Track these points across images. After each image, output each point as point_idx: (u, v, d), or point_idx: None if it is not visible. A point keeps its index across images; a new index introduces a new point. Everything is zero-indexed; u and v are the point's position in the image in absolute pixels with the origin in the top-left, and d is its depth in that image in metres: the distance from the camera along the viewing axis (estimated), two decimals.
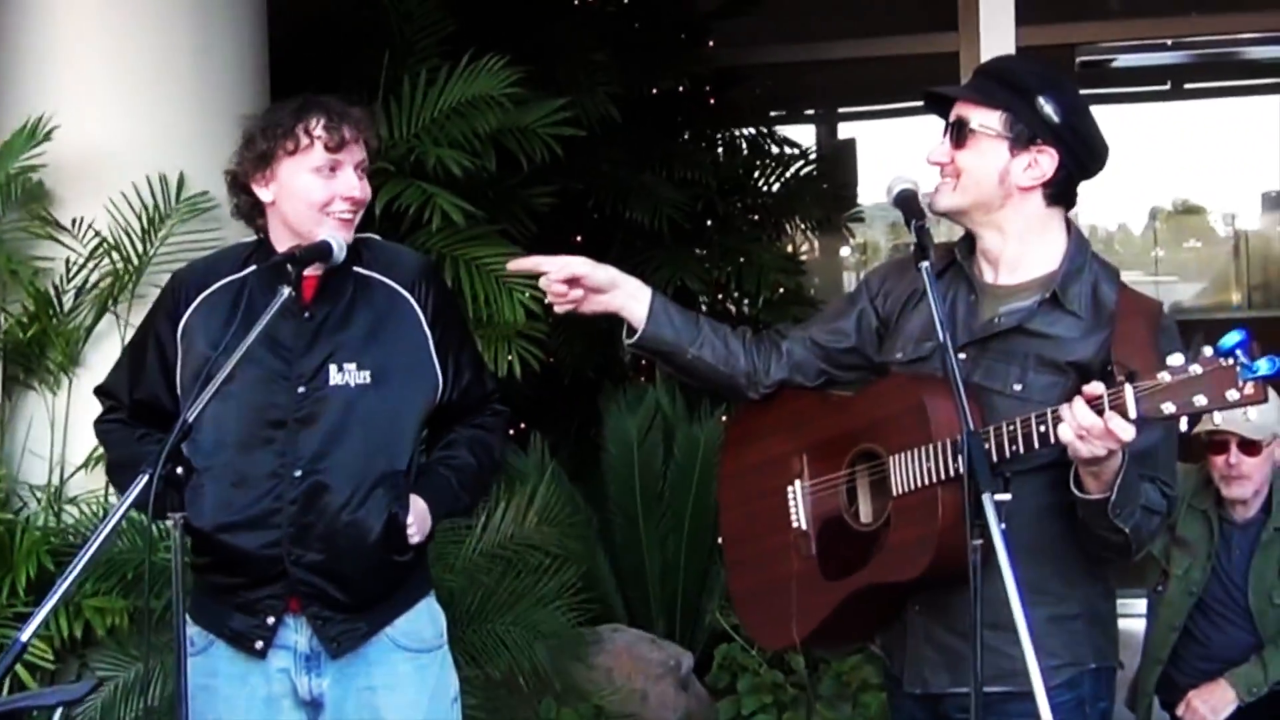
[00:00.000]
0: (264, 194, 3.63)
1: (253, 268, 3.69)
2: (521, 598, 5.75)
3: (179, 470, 3.12)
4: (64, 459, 5.65)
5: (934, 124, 3.42)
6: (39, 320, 5.59)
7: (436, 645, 3.66)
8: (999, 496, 2.84)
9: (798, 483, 3.46)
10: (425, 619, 3.64)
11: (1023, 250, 3.29)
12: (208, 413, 3.26)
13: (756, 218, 9.92)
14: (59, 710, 4.52)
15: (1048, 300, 3.24)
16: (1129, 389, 2.88)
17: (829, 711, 5.89)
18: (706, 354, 3.50)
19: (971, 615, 2.88)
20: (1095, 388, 2.92)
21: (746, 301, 9.64)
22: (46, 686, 5.20)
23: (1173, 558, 5.07)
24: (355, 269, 3.63)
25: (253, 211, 3.69)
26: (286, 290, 3.37)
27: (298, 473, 3.52)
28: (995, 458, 3.03)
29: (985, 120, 3.26)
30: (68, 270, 5.65)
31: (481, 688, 5.28)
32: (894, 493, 3.21)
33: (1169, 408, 2.86)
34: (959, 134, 3.28)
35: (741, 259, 9.21)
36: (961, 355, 3.19)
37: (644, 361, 9.61)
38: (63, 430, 5.66)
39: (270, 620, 3.57)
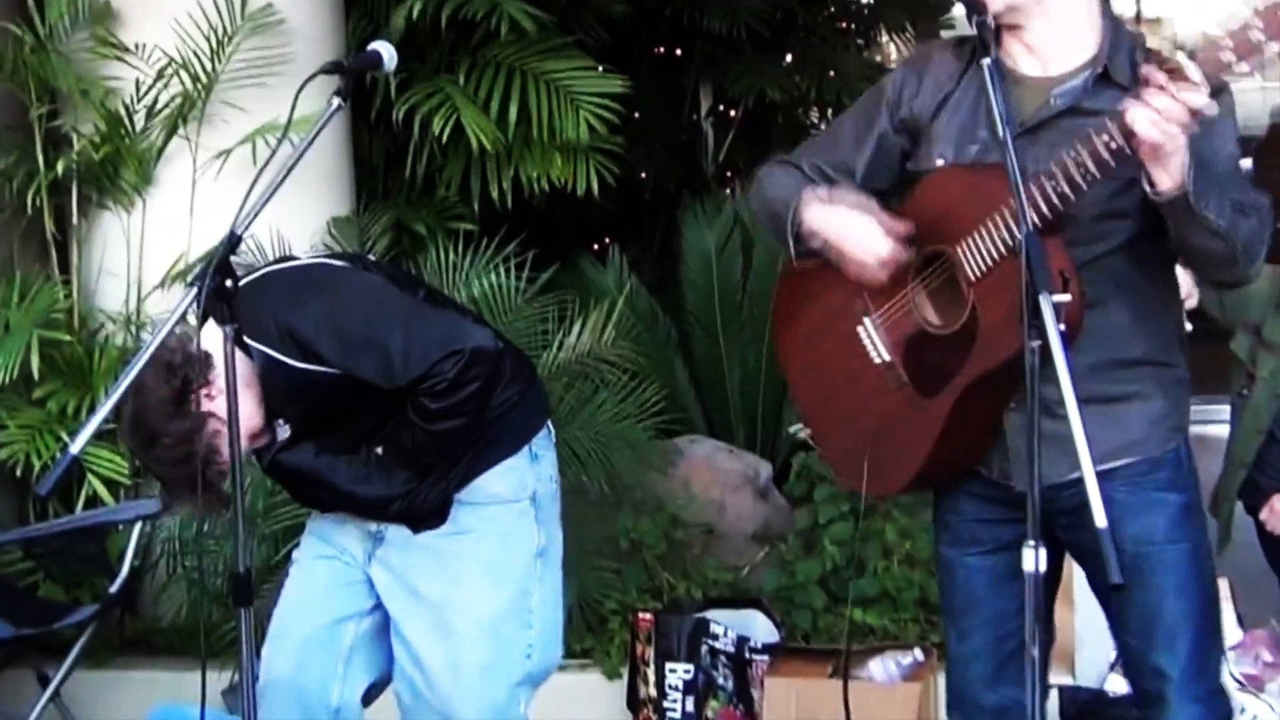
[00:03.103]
0: None
1: None
2: (598, 409, 5.75)
3: (228, 283, 3.10)
4: (140, 279, 5.69)
5: None
6: (111, 140, 5.61)
7: (511, 499, 3.60)
8: (1057, 298, 2.78)
9: (866, 319, 3.34)
10: (501, 477, 3.57)
11: (1069, 36, 3.20)
12: None
13: (843, 25, 9.76)
14: (137, 525, 4.60)
15: (1099, 76, 3.16)
16: (1181, 56, 2.83)
17: (906, 519, 5.87)
18: None
19: (1028, 417, 2.83)
20: (1152, 71, 2.85)
21: (830, 112, 9.52)
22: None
23: (1259, 360, 4.98)
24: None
25: None
26: (337, 101, 3.33)
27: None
28: (1070, 192, 2.97)
29: None
30: (137, 91, 5.64)
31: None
32: (971, 279, 3.12)
33: (1227, 56, 2.86)
34: None
35: (826, 69, 9.06)
36: None
37: (728, 173, 9.56)
38: (138, 250, 5.71)
39: None
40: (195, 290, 3.04)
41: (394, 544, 3.61)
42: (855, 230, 3.25)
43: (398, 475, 3.49)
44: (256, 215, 3.19)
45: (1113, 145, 2.92)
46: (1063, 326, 2.78)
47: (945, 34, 10.35)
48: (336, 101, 3.33)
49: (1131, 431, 3.20)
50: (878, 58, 10.67)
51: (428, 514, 3.55)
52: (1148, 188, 2.97)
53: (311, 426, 3.50)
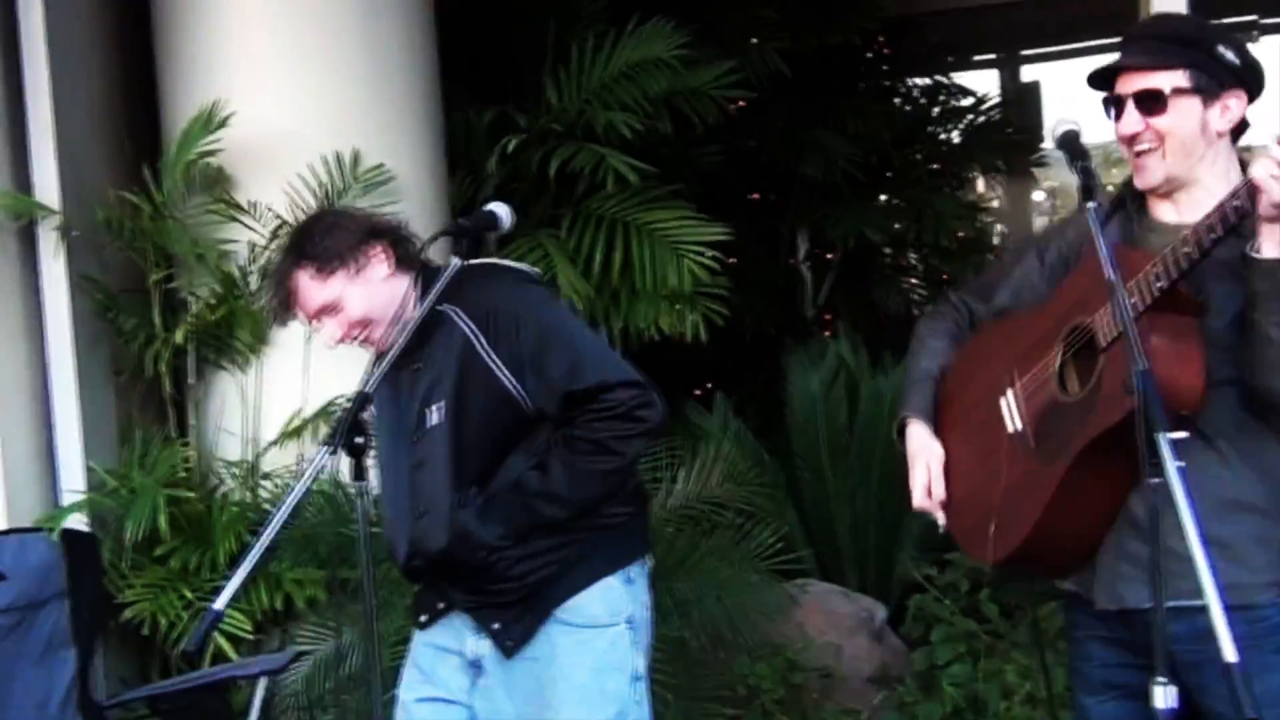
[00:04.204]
0: None
1: None
2: (706, 556, 5.76)
3: (358, 440, 3.21)
4: (257, 436, 5.79)
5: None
6: (227, 301, 5.73)
7: (608, 623, 3.66)
8: (1173, 435, 2.80)
9: (1009, 390, 3.43)
10: (598, 599, 3.64)
11: (1214, 191, 3.26)
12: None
13: (936, 167, 9.85)
14: (262, 680, 4.66)
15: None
16: None
17: (1026, 659, 5.83)
18: None
19: (1151, 556, 2.85)
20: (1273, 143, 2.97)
21: (926, 250, 9.58)
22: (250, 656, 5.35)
23: None
24: (438, 308, 3.62)
25: None
26: (457, 260, 3.45)
27: (417, 511, 3.67)
28: (1198, 255, 3.04)
29: (1175, 81, 3.24)
30: (251, 252, 5.78)
31: (673, 646, 5.31)
32: (1101, 344, 3.18)
33: None
34: (1151, 102, 3.25)
35: (921, 209, 9.14)
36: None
37: (826, 316, 9.62)
38: (254, 408, 5.80)
39: (440, 605, 3.76)
40: (329, 449, 3.18)
41: (493, 673, 3.68)
42: (917, 467, 3.57)
43: (496, 524, 3.57)
44: (384, 375, 3.31)
45: (1237, 204, 3.00)
46: (1180, 463, 2.80)
47: (1036, 170, 10.42)
48: (456, 261, 3.45)
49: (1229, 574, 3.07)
50: (970, 196, 10.75)
51: (504, 589, 3.61)
52: (1253, 254, 3.06)
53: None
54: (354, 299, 3.65)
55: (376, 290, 3.66)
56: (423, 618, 3.78)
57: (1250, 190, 2.99)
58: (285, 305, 3.71)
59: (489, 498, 3.57)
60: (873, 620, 6.39)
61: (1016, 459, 3.38)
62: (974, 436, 3.54)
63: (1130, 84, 3.28)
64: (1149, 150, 3.27)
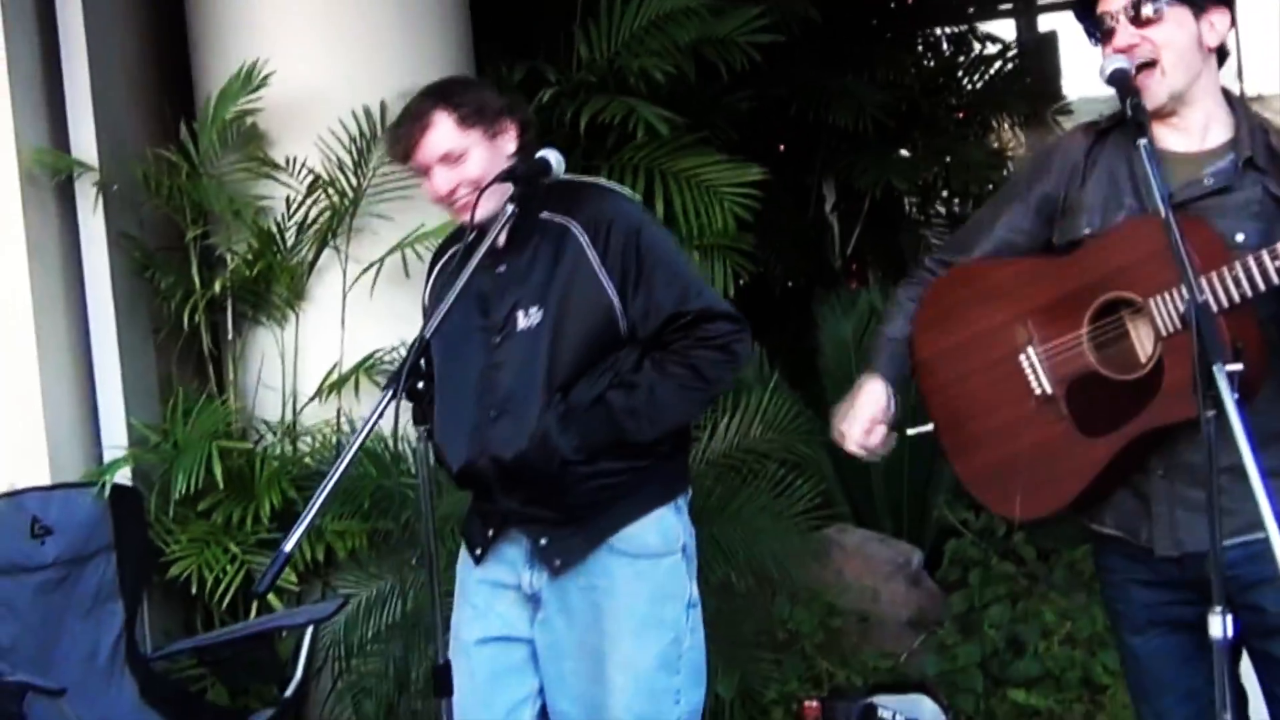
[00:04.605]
0: None
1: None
2: (746, 504, 5.79)
3: (419, 385, 3.24)
4: (296, 391, 5.82)
5: None
6: (264, 257, 5.77)
7: (664, 552, 3.71)
8: (1230, 367, 2.80)
9: (1030, 349, 3.41)
10: (652, 529, 3.69)
11: (1212, 117, 3.29)
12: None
13: (961, 116, 9.85)
14: (309, 629, 4.70)
15: (1246, 162, 3.24)
16: None
17: (1064, 600, 5.86)
18: None
19: (1209, 488, 2.85)
20: None
21: (957, 201, 9.57)
22: (293, 607, 5.40)
23: None
24: (540, 216, 3.68)
25: None
26: (511, 207, 3.50)
27: (492, 413, 3.65)
28: (1250, 292, 3.05)
29: None
30: (287, 207, 5.80)
31: (714, 593, 5.35)
32: (1163, 333, 3.18)
33: None
34: (1139, 14, 3.25)
35: (948, 158, 9.13)
36: None
37: (854, 266, 9.63)
38: (293, 363, 5.83)
39: (490, 532, 3.75)
40: (390, 393, 3.21)
41: (551, 604, 3.71)
42: (859, 411, 3.59)
43: (574, 436, 3.59)
44: (444, 316, 3.34)
45: None
46: (1236, 394, 2.82)
47: (1062, 119, 10.42)
48: (511, 208, 3.51)
49: None
50: (996, 144, 10.74)
51: (562, 504, 3.64)
52: None
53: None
54: (478, 158, 3.66)
55: (498, 162, 3.67)
56: (477, 550, 3.79)
57: None
58: (408, 148, 3.69)
59: (569, 408, 3.59)
60: (909, 565, 6.42)
61: (1046, 422, 3.39)
62: (977, 382, 3.53)
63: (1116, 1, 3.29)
64: (1148, 68, 3.26)
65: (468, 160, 3.66)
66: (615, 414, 3.59)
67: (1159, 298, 3.18)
